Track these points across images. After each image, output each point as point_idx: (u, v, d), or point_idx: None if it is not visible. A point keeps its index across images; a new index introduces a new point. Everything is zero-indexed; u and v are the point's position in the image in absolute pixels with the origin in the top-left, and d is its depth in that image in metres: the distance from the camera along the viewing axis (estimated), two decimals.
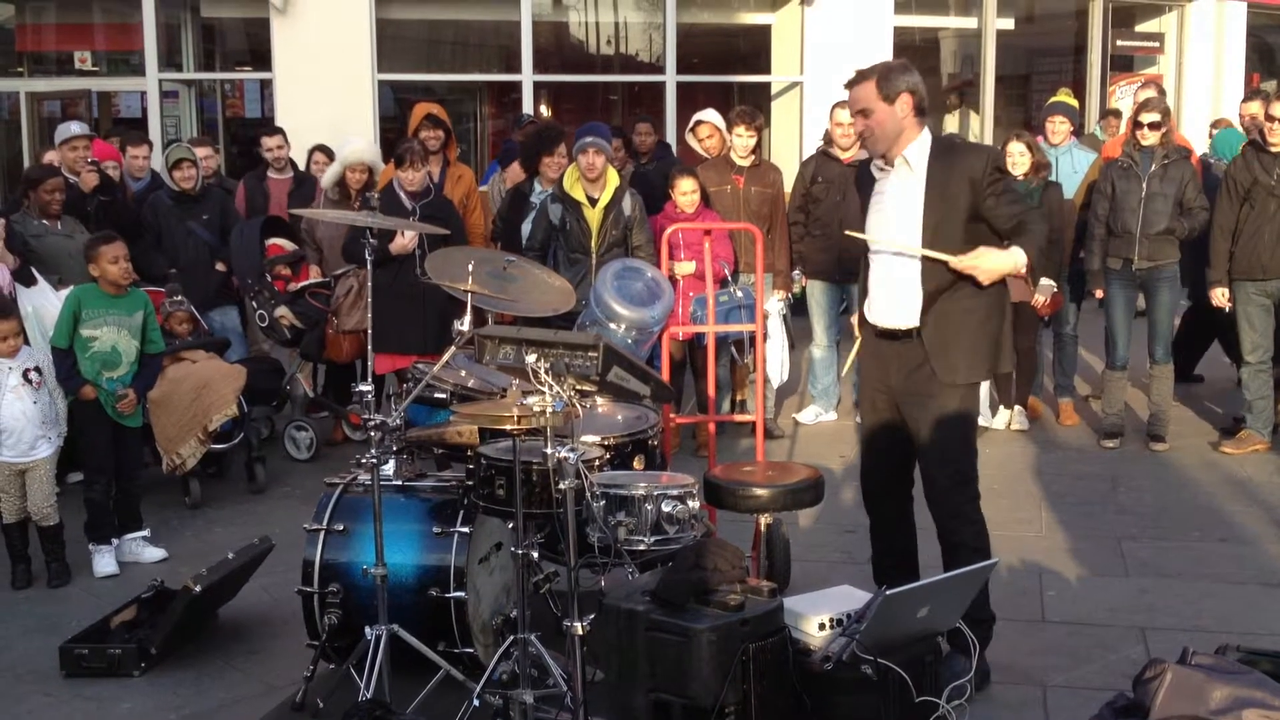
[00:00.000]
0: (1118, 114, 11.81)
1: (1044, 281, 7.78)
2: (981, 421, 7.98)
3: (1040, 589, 5.40)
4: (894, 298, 4.43)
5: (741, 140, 7.86)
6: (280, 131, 9.21)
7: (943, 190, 4.33)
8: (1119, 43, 14.93)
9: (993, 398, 8.16)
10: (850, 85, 4.52)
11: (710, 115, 8.32)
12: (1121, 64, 15.23)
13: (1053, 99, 9.47)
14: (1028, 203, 4.43)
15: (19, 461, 5.58)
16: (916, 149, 4.40)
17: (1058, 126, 8.64)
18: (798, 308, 8.24)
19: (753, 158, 7.93)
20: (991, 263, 4.25)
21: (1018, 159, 7.82)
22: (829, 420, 8.38)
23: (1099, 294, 7.76)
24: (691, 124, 8.39)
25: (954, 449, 4.40)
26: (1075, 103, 10.12)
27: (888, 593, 3.45)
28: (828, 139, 8.17)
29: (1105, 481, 7.03)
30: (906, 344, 4.40)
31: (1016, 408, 8.19)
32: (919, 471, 4.52)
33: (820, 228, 8.07)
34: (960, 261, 4.25)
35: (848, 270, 8.06)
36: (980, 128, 13.94)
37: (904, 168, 4.40)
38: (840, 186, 7.97)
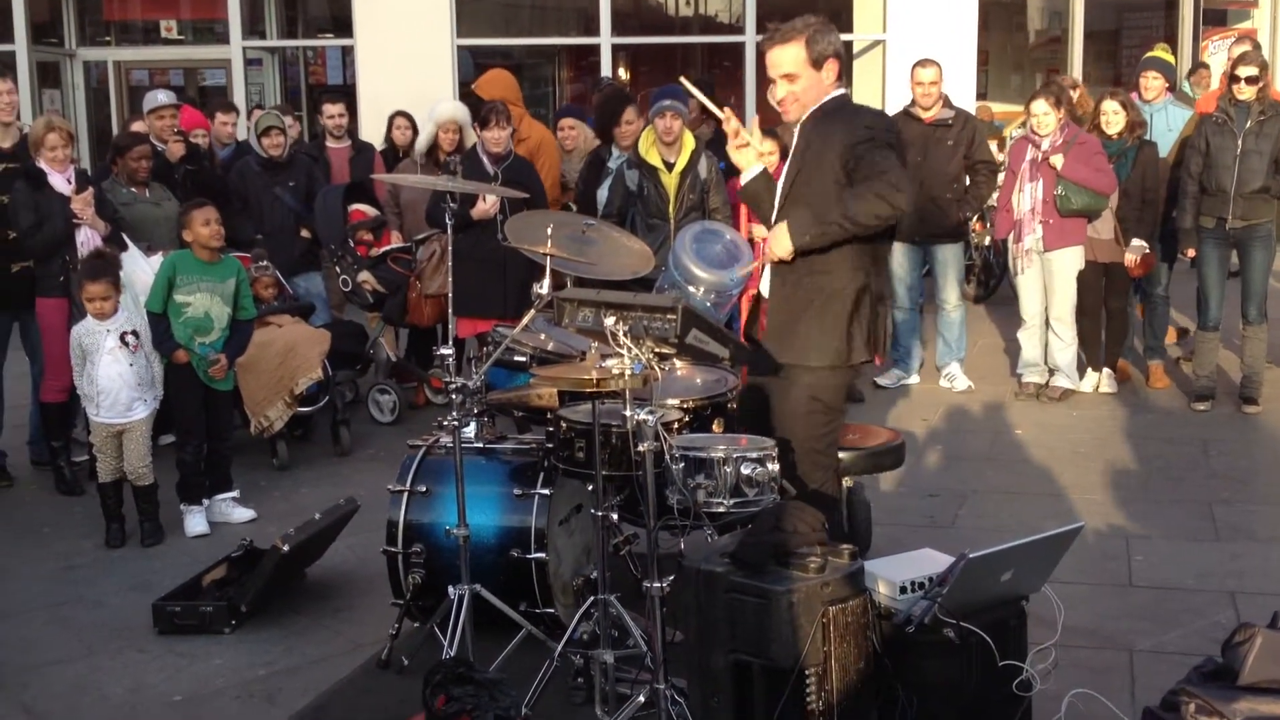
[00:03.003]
0: (1207, 66, 11.45)
1: (1135, 242, 7.63)
2: (1069, 384, 7.87)
3: (1128, 553, 5.31)
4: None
5: None
6: (342, 100, 9.27)
7: (805, 158, 4.07)
8: None
9: (1081, 360, 8.02)
10: (770, 45, 4.10)
11: None
12: (1214, 18, 14.80)
13: (1148, 54, 9.23)
14: (890, 171, 3.91)
15: (116, 422, 5.73)
16: (808, 115, 4.11)
17: (1151, 82, 8.43)
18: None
19: None
20: (773, 242, 4.00)
21: (1111, 117, 7.67)
22: (910, 383, 8.30)
23: (1190, 253, 7.57)
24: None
25: (794, 429, 4.15)
26: (1171, 58, 9.85)
27: (970, 556, 3.41)
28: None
29: (1196, 445, 6.88)
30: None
31: (1105, 370, 8.04)
32: None
33: None
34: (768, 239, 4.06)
35: (929, 232, 7.98)
36: None
37: (797, 134, 4.16)
38: (921, 147, 7.86)
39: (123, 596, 5.20)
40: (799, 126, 4.15)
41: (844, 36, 14.01)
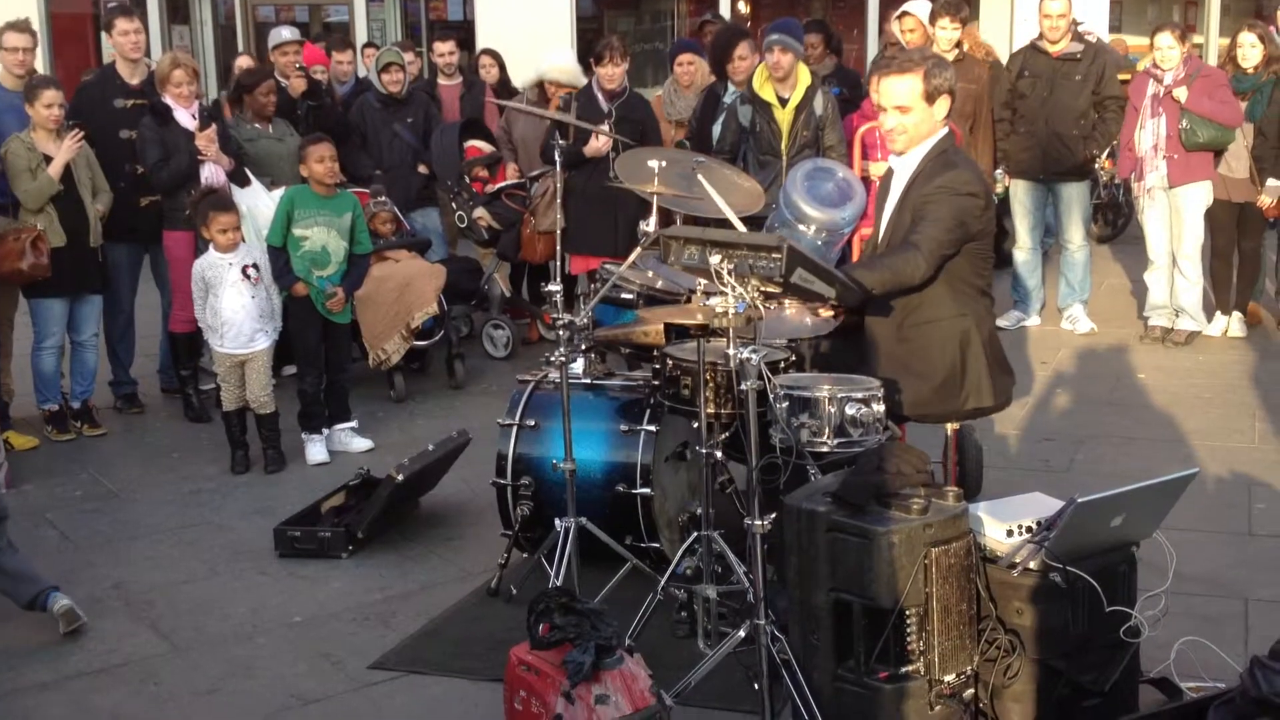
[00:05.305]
0: None
1: (1271, 182, 7.34)
2: (1196, 327, 7.64)
3: (1249, 502, 5.17)
4: None
5: (945, 33, 7.59)
6: (453, 37, 9.31)
7: (907, 204, 4.11)
8: None
9: (1210, 302, 7.76)
10: (886, 73, 4.13)
11: (916, 7, 8.04)
12: None
13: None
14: (934, 231, 3.98)
15: (239, 352, 5.91)
16: (914, 155, 4.13)
17: None
18: (1000, 208, 7.97)
19: (956, 52, 7.64)
20: None
21: (1248, 51, 7.37)
22: (1031, 324, 8.13)
23: None
24: (897, 14, 8.13)
25: None
26: None
27: (1079, 501, 3.35)
28: None
29: None
30: None
31: (1235, 313, 7.78)
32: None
33: (1026, 124, 7.78)
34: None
35: (1054, 169, 7.77)
36: (1207, 17, 13.06)
37: (901, 171, 4.20)
38: (1048, 81, 7.65)
39: (246, 520, 5.39)
40: (911, 176, 4.15)
41: None
